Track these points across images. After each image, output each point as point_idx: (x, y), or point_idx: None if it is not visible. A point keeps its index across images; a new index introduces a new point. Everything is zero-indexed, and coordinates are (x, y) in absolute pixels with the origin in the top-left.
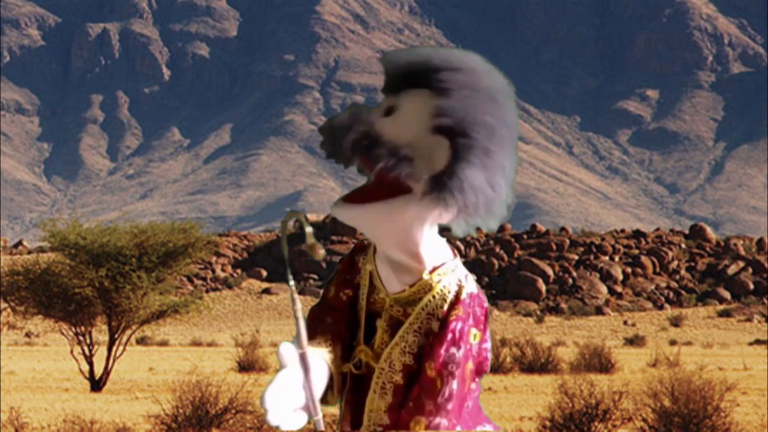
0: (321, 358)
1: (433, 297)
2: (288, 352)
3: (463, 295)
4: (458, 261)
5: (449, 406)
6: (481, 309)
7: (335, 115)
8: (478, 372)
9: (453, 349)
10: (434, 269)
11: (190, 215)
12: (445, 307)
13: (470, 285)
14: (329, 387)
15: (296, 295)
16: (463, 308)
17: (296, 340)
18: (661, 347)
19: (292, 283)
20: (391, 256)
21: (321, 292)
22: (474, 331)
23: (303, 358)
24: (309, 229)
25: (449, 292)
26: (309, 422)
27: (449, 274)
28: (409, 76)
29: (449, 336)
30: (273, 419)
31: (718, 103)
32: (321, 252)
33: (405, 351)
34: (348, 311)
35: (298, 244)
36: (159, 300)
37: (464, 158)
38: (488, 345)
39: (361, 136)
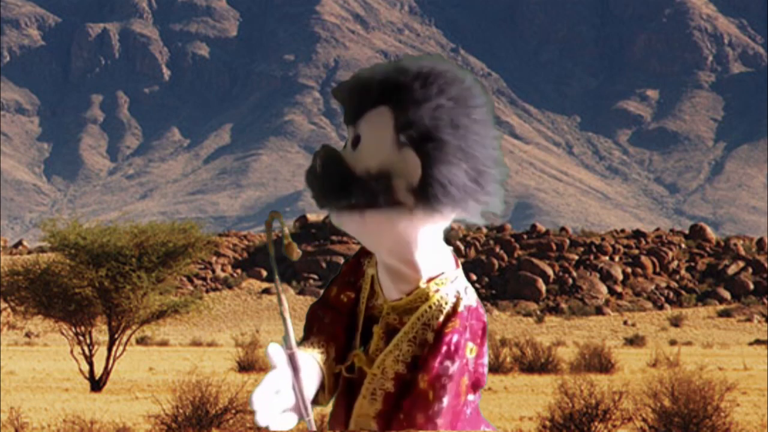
0: (312, 358)
1: (429, 307)
2: (276, 352)
3: (461, 308)
4: (460, 272)
5: (440, 421)
6: (478, 323)
7: (311, 164)
8: (474, 387)
9: (447, 362)
10: (431, 279)
11: (190, 215)
12: (441, 318)
13: (469, 297)
14: (320, 388)
15: (283, 295)
16: (459, 321)
17: (285, 340)
18: (661, 347)
19: (278, 282)
20: (387, 263)
21: (321, 292)
22: (470, 345)
23: (292, 358)
24: (286, 230)
25: (446, 303)
26: (300, 423)
27: (447, 285)
28: (365, 98)
29: (444, 348)
30: (262, 420)
31: (718, 103)
32: (297, 252)
33: (398, 359)
34: (347, 313)
35: (298, 244)
36: (159, 300)
37: (439, 161)
38: (485, 360)
39: (334, 184)
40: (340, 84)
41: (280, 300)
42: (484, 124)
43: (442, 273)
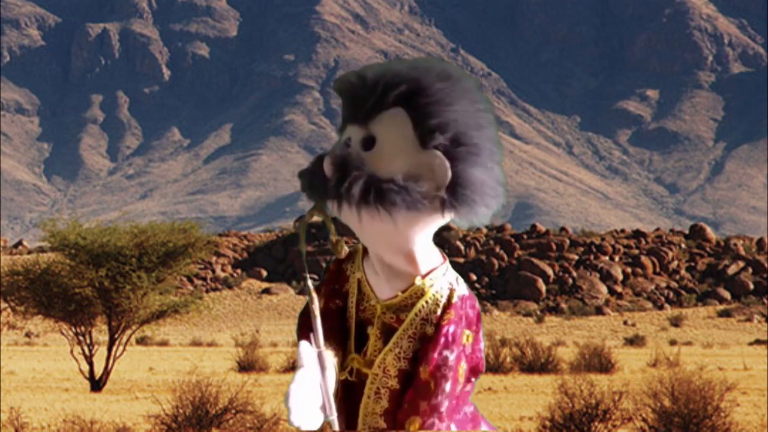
0: (332, 358)
1: (426, 302)
2: (307, 350)
3: (455, 299)
4: (447, 264)
5: (443, 407)
6: (472, 310)
7: (309, 167)
8: (474, 372)
9: (446, 352)
10: (426, 274)
11: (190, 215)
12: (439, 311)
13: (461, 288)
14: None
15: (314, 294)
16: (455, 311)
17: (313, 339)
18: (661, 347)
19: (309, 281)
20: (388, 260)
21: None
22: (467, 332)
23: (320, 357)
24: (332, 227)
25: (441, 297)
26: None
27: (440, 278)
28: (378, 99)
29: (442, 339)
30: (295, 420)
31: (718, 103)
32: (346, 250)
33: (400, 357)
34: (338, 321)
35: (296, 244)
36: (159, 300)
37: (472, 163)
38: (482, 345)
39: (365, 185)
40: (342, 79)
41: (311, 298)
42: (494, 127)
43: (435, 268)
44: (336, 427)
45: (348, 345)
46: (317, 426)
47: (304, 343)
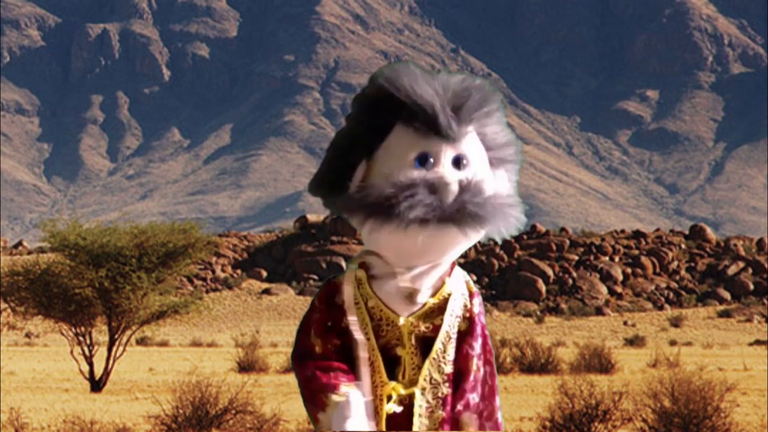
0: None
1: (455, 299)
2: (358, 400)
3: (473, 287)
4: None
5: (488, 391)
6: (478, 291)
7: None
8: None
9: (481, 340)
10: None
11: (190, 216)
12: (468, 303)
13: (466, 274)
14: None
15: (361, 336)
16: (477, 298)
17: (361, 386)
18: (661, 348)
19: (355, 326)
20: (434, 270)
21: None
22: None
23: (367, 407)
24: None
25: (464, 289)
26: None
27: (454, 274)
28: (461, 116)
29: (479, 328)
30: None
31: (718, 103)
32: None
33: (446, 361)
34: (340, 360)
35: (298, 244)
36: (159, 300)
37: (512, 183)
38: None
39: (481, 206)
40: (400, 84)
41: (358, 340)
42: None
43: (454, 265)
44: None
45: (374, 378)
46: None
47: (355, 392)
